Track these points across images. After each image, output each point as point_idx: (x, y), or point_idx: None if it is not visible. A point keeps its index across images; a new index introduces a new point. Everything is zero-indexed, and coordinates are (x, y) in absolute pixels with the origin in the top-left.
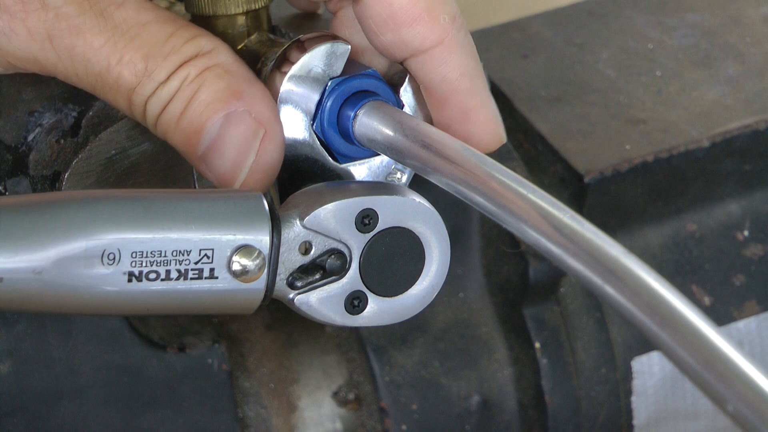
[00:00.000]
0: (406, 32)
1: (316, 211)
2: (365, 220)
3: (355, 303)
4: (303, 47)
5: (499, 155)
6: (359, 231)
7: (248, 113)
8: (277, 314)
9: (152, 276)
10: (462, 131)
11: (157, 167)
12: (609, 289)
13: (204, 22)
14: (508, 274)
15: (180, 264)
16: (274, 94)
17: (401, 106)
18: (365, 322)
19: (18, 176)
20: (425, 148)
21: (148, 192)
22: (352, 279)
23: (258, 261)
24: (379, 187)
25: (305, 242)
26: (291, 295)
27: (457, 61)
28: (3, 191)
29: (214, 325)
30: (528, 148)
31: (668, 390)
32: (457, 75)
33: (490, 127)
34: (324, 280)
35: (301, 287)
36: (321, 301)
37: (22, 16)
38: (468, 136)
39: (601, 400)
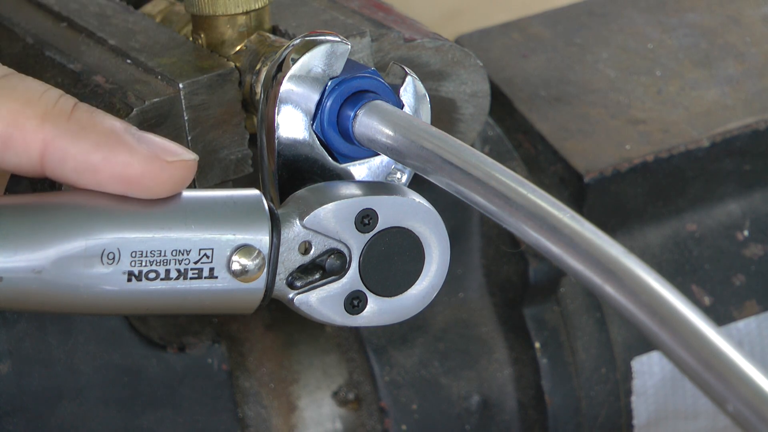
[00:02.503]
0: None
1: (315, 211)
2: (365, 220)
3: (354, 303)
4: (303, 47)
5: (499, 155)
6: (359, 231)
7: None
8: (277, 314)
9: (152, 275)
10: None
11: None
12: (609, 289)
13: (204, 21)
14: (508, 274)
15: (179, 263)
16: (274, 94)
17: (401, 106)
18: (365, 322)
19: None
20: (425, 148)
21: None
22: (351, 279)
23: (258, 261)
24: (379, 187)
25: (305, 242)
26: (290, 295)
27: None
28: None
29: (214, 325)
30: (528, 148)
31: (668, 390)
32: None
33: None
34: (324, 280)
35: (301, 287)
36: (320, 301)
37: None
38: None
39: (601, 400)
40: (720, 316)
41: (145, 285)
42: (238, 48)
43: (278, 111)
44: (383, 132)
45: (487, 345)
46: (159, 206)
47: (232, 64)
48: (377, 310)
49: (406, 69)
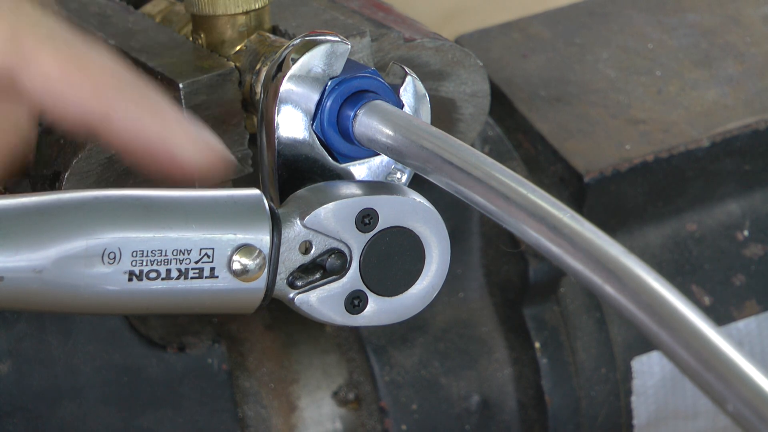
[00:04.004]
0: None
1: (316, 211)
2: (365, 219)
3: (355, 302)
4: (303, 47)
5: (499, 155)
6: (359, 230)
7: None
8: (277, 314)
9: (152, 275)
10: None
11: None
12: (609, 289)
13: (204, 21)
14: (508, 274)
15: (180, 263)
16: (274, 94)
17: (401, 106)
18: (365, 321)
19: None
20: (425, 148)
21: (149, 191)
22: (352, 278)
23: (258, 260)
24: (380, 186)
25: (305, 242)
26: (291, 295)
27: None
28: (3, 191)
29: (214, 324)
30: (528, 148)
31: (668, 390)
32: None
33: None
34: (324, 280)
35: (301, 287)
36: (321, 301)
37: None
38: None
39: (601, 400)
40: (720, 316)
41: (145, 285)
42: (238, 48)
43: (278, 111)
44: (383, 132)
45: (487, 345)
46: (159, 206)
47: (232, 64)
48: (377, 310)
49: (406, 69)
